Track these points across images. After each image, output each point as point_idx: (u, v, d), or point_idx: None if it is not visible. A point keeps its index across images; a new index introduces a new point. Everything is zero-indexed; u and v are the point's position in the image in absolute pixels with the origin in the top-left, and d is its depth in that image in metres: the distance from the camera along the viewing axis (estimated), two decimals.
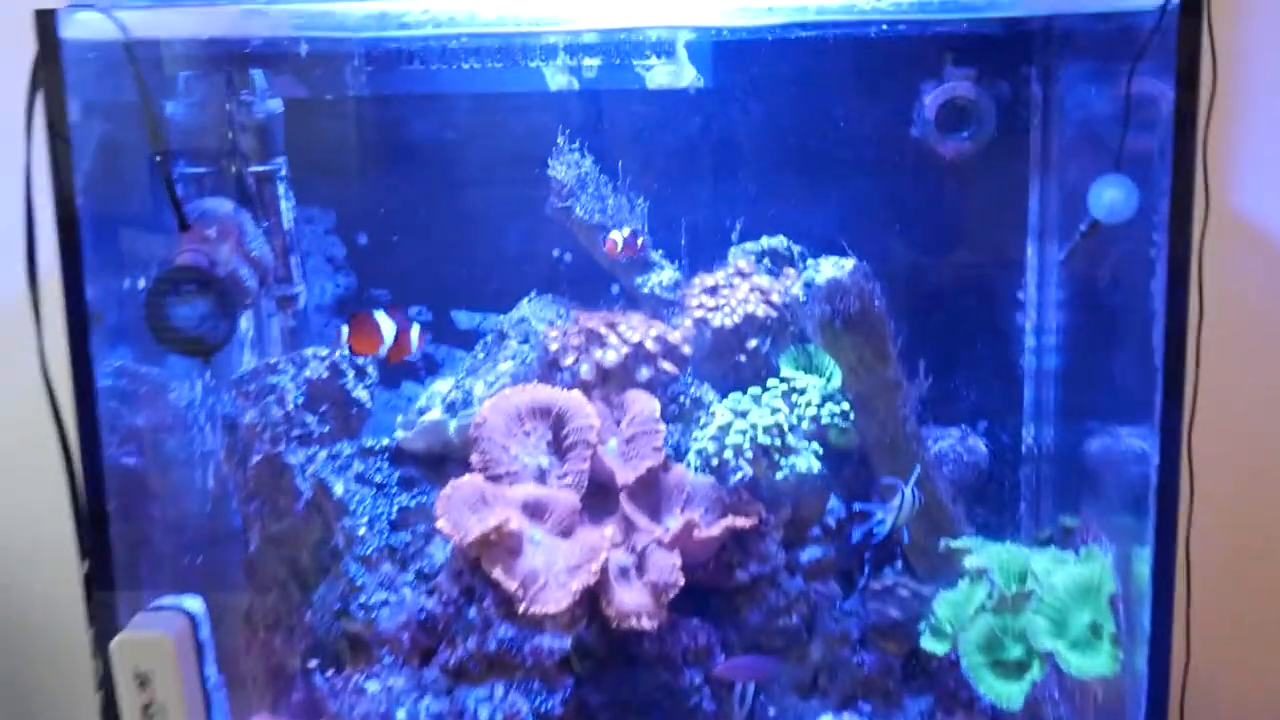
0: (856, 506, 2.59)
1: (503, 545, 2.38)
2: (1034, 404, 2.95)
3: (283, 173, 2.78)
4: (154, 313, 2.22)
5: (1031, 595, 2.40)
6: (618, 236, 2.76)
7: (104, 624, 2.32)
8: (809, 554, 2.66)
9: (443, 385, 2.92)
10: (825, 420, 2.56)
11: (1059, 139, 2.77)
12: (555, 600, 2.34)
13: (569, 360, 2.63)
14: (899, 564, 2.74)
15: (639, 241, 2.81)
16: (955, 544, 2.57)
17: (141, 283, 2.39)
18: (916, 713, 2.64)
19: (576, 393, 2.58)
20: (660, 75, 2.88)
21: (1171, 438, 2.18)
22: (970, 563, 2.50)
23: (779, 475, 2.48)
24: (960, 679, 2.50)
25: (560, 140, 2.82)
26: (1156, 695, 2.31)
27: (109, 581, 2.34)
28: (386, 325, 2.53)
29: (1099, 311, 2.64)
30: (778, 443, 2.49)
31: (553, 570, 2.39)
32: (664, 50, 2.85)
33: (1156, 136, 2.17)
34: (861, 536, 2.55)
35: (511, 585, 2.34)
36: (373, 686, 2.44)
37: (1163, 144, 2.13)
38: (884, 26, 2.37)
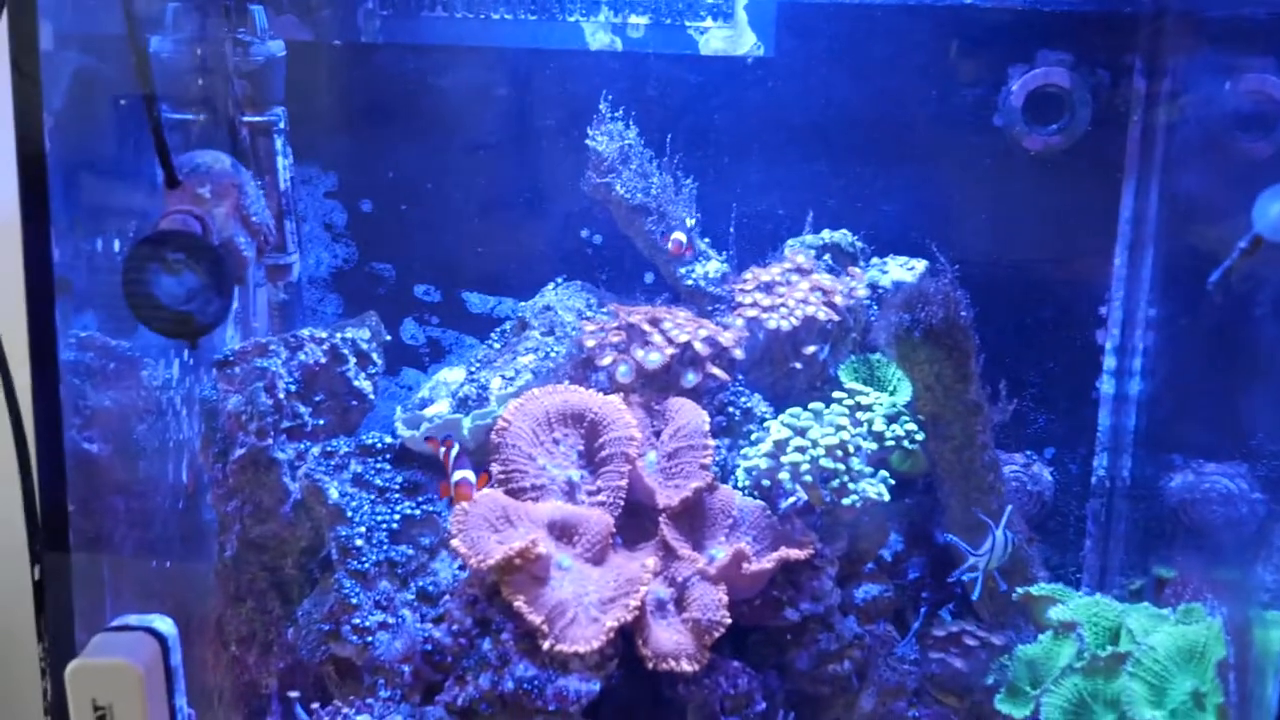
0: (946, 538, 2.28)
1: (527, 571, 2.05)
2: (1110, 432, 2.66)
3: (281, 125, 2.42)
4: (134, 284, 1.81)
5: (1127, 657, 2.11)
6: (682, 236, 2.44)
7: (57, 641, 1.96)
8: (864, 591, 2.35)
9: (450, 375, 2.60)
10: (889, 441, 2.25)
11: (1165, 139, 2.47)
12: (586, 638, 2.02)
13: (606, 360, 2.30)
14: (952, 606, 2.45)
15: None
16: (1038, 591, 2.27)
17: (117, 246, 2.02)
18: None
19: (615, 398, 2.26)
20: (716, 40, 2.56)
21: None
22: (1056, 615, 2.20)
23: (847, 502, 2.16)
24: None
25: (602, 107, 2.49)
26: None
27: (66, 591, 1.97)
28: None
29: (1211, 339, 2.34)
30: (841, 467, 2.18)
31: (583, 602, 2.07)
32: (721, 12, 2.54)
33: None
34: (955, 582, 2.25)
35: (536, 618, 2.00)
36: None
37: None
38: None
